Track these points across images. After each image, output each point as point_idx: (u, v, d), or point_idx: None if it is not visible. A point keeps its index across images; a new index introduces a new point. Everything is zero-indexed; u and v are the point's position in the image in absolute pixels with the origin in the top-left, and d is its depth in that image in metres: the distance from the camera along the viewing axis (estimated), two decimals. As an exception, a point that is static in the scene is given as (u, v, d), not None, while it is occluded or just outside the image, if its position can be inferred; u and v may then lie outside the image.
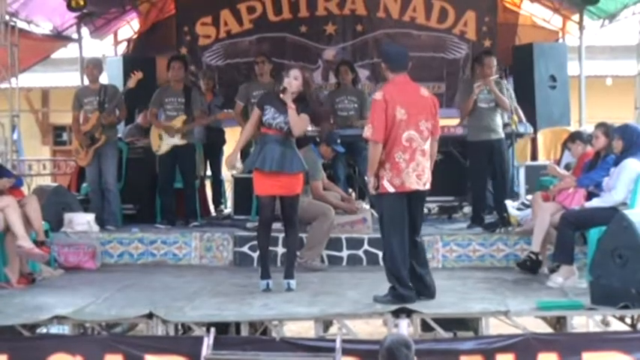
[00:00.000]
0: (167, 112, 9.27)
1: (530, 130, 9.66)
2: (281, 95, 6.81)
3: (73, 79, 13.59)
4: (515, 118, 8.47)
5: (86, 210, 9.06)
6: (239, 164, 7.17)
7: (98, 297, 6.68)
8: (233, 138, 11.34)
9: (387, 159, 6.18)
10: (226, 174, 10.97)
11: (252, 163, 6.93)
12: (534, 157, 10.69)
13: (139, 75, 8.97)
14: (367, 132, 6.20)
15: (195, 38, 12.08)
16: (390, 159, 6.17)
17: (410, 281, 6.28)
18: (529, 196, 8.35)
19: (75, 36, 11.82)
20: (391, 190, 6.18)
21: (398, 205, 6.20)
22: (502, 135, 8.71)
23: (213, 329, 5.63)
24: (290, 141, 6.93)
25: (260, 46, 11.87)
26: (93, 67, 9.15)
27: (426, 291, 6.37)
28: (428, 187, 6.33)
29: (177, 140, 9.16)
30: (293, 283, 6.92)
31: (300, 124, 6.84)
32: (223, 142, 11.06)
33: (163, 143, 9.19)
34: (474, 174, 8.89)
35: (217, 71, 12.02)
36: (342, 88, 10.18)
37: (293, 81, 6.82)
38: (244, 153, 9.20)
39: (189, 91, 9.32)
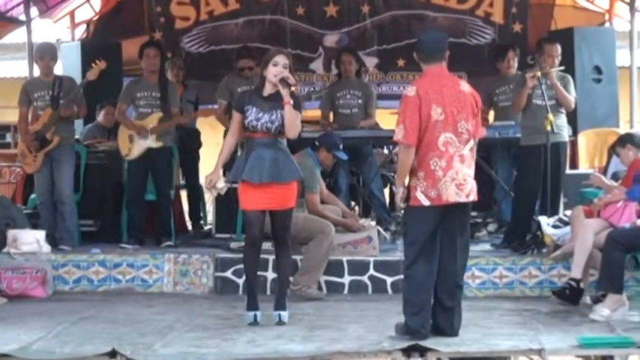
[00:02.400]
0: (140, 109, 9.28)
1: (570, 131, 9.68)
2: (280, 89, 6.78)
3: (20, 68, 13.63)
4: (551, 117, 8.49)
5: (35, 226, 9.07)
6: (221, 184, 7.09)
7: (49, 331, 6.68)
8: (214, 140, 11.44)
9: (421, 166, 6.20)
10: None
11: (238, 173, 6.90)
12: (574, 164, 10.70)
13: (101, 65, 9.00)
14: (398, 134, 6.21)
15: (170, 20, 12.13)
16: (424, 166, 6.19)
17: (435, 315, 6.31)
18: (568, 212, 8.37)
19: (22, 17, 11.83)
20: (426, 203, 6.19)
21: (431, 220, 6.22)
22: (564, 138, 8.74)
23: (188, 370, 5.65)
24: (281, 143, 6.94)
25: (249, 31, 11.90)
26: (50, 58, 9.15)
27: (449, 329, 6.36)
28: (473, 198, 6.32)
29: (152, 142, 9.16)
30: (285, 315, 6.93)
31: (297, 123, 6.87)
32: (199, 144, 11.08)
33: (135, 146, 9.19)
34: (521, 185, 8.87)
35: (199, 60, 12.06)
36: (343, 81, 10.21)
37: (284, 70, 6.83)
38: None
39: (166, 84, 9.34)
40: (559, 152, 8.61)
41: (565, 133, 8.80)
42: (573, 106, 8.80)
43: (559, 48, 8.78)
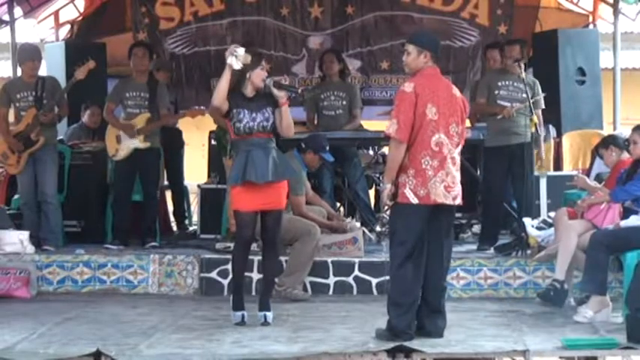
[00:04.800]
0: (128, 109, 9.26)
1: (554, 133, 9.72)
2: (275, 91, 6.82)
3: (3, 69, 13.51)
4: (535, 119, 8.54)
5: (18, 227, 9.03)
6: (241, 51, 6.74)
7: (33, 332, 6.67)
8: (199, 140, 11.41)
9: (412, 164, 6.21)
10: (190, 184, 10.98)
11: (238, 176, 6.84)
12: (558, 165, 10.75)
13: (90, 64, 8.98)
14: (390, 128, 6.21)
15: (155, 21, 12.08)
16: (415, 164, 6.20)
17: (420, 316, 6.33)
18: (552, 213, 8.40)
19: (6, 17, 11.80)
20: (414, 201, 6.20)
21: (419, 220, 6.23)
22: (527, 139, 8.78)
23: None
24: (273, 142, 7.00)
25: (233, 32, 11.90)
26: (38, 60, 9.12)
27: (434, 330, 6.39)
28: (458, 202, 6.37)
29: (139, 143, 9.14)
30: (270, 315, 6.94)
31: (291, 122, 6.94)
32: (181, 144, 11.07)
33: (122, 147, 9.17)
34: (488, 185, 8.94)
35: (183, 61, 12.04)
36: (327, 82, 10.20)
37: (264, 73, 6.90)
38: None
39: (155, 85, 9.31)
40: (524, 153, 8.67)
41: (529, 133, 8.82)
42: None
43: (518, 49, 8.82)
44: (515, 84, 8.77)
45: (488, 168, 8.96)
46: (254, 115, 6.86)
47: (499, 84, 8.80)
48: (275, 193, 6.90)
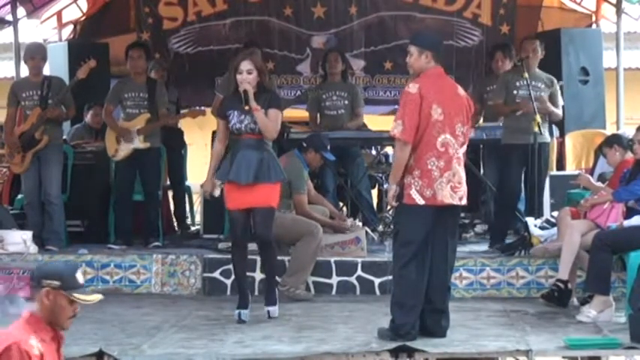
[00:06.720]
0: (127, 110, 9.25)
1: (557, 133, 9.70)
2: (246, 107, 6.88)
3: (6, 69, 13.49)
4: (539, 118, 8.52)
5: (22, 227, 9.04)
6: (217, 192, 7.22)
7: (37, 332, 6.67)
8: (202, 140, 11.40)
9: (418, 165, 6.21)
10: (194, 183, 10.97)
11: (224, 174, 7.00)
12: (561, 165, 10.73)
13: (91, 63, 8.96)
14: (395, 129, 6.21)
15: (158, 21, 12.08)
16: (421, 165, 6.20)
17: (423, 316, 6.33)
18: (555, 213, 8.40)
19: (9, 17, 11.80)
20: (420, 202, 6.20)
21: (425, 221, 6.23)
22: (546, 139, 8.78)
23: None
24: (266, 144, 7.04)
25: (237, 32, 11.91)
26: (41, 58, 9.11)
27: (438, 330, 6.39)
28: (464, 202, 6.37)
29: (139, 143, 9.14)
30: (274, 310, 6.99)
31: (271, 125, 6.95)
32: (183, 144, 11.06)
33: (122, 147, 9.17)
34: (503, 184, 8.92)
35: (187, 60, 12.05)
36: (329, 82, 10.20)
37: (247, 76, 6.92)
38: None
39: (154, 85, 9.30)
40: (541, 153, 8.64)
41: (547, 133, 8.82)
42: (561, 116, 8.85)
43: (536, 43, 8.80)
44: (531, 81, 8.74)
45: (505, 166, 8.91)
46: (242, 117, 6.93)
47: (517, 84, 8.73)
48: (261, 192, 6.93)
